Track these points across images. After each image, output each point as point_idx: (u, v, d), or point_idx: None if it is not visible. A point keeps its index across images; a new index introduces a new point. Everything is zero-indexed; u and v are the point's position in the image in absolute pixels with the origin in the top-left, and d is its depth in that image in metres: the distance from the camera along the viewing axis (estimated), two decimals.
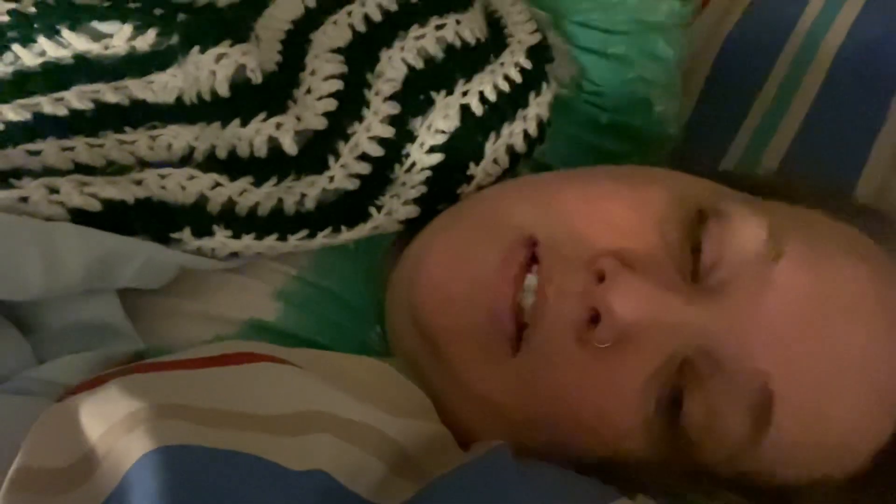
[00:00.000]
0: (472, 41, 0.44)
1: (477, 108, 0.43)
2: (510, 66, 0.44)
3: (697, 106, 0.56)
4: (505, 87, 0.44)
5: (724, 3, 0.61)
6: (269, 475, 0.29)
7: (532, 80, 0.45)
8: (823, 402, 0.35)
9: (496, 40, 0.46)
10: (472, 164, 0.43)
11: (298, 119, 0.40)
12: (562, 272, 0.36)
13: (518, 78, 0.44)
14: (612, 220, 0.37)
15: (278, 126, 0.39)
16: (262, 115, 0.39)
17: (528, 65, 0.45)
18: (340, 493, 0.30)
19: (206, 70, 0.39)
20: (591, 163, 0.47)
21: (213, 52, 0.39)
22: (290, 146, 0.40)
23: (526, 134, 0.44)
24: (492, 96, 0.43)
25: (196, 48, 0.39)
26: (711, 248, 0.36)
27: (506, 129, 0.44)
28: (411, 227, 0.42)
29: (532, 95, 0.44)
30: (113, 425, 0.29)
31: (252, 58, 0.40)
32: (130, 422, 0.29)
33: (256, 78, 0.40)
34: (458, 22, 0.44)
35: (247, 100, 0.40)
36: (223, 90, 0.39)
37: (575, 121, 0.49)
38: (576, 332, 0.36)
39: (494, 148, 0.43)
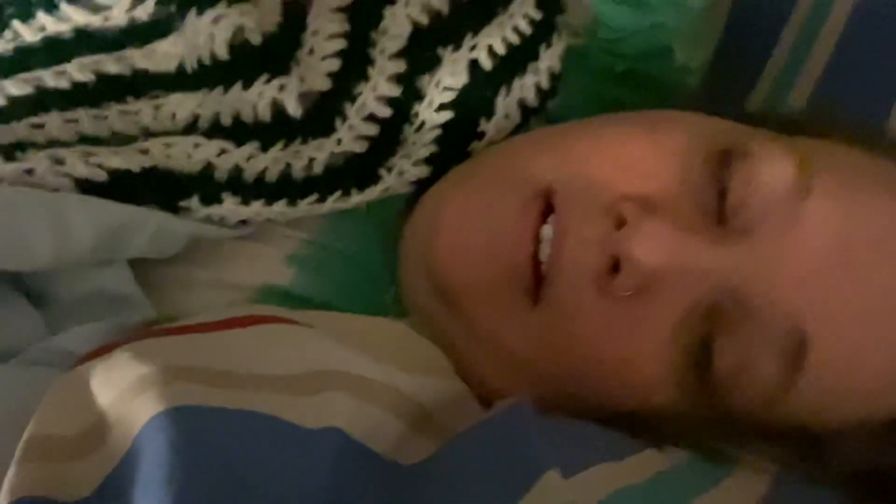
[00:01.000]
0: None
1: (486, 63, 0.42)
2: (519, 17, 0.43)
3: (719, 46, 0.54)
4: (514, 39, 0.42)
5: None
6: (284, 433, 0.29)
7: (542, 32, 0.43)
8: (859, 344, 0.34)
9: None
10: (482, 121, 0.42)
11: (302, 80, 0.39)
12: (579, 220, 0.35)
13: (528, 29, 0.43)
14: (630, 164, 0.36)
15: (281, 88, 0.39)
16: (264, 77, 0.39)
17: (537, 15, 0.43)
18: (357, 450, 0.30)
19: (205, 33, 0.38)
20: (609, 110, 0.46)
21: (211, 13, 0.39)
22: (294, 108, 0.39)
23: (538, 87, 0.43)
24: (501, 49, 0.42)
25: (193, 10, 0.39)
26: (737, 188, 0.35)
27: (517, 83, 0.42)
28: (423, 187, 0.41)
29: (543, 47, 0.43)
30: (123, 390, 0.29)
31: (251, 18, 0.39)
32: (140, 385, 0.29)
33: (256, 39, 0.39)
34: None
35: (247, 62, 0.39)
36: (222, 52, 0.38)
37: (589, 71, 0.47)
38: (596, 282, 0.34)
39: (506, 103, 0.42)
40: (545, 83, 0.43)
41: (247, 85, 0.39)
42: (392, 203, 0.42)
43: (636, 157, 0.36)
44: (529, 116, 0.43)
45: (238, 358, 0.31)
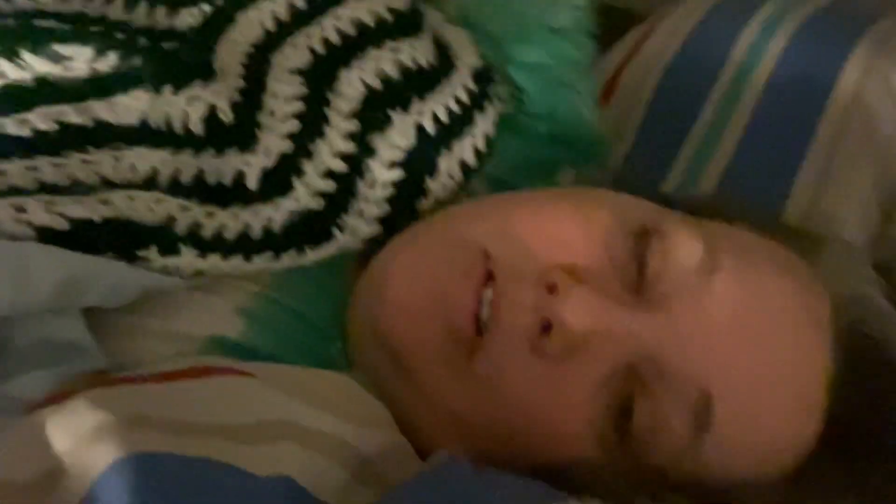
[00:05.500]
0: (426, 65, 0.47)
1: (430, 128, 0.46)
2: (459, 86, 0.47)
3: (639, 133, 0.59)
4: (455, 107, 0.47)
5: (663, 37, 0.64)
6: (237, 480, 0.30)
7: (478, 100, 0.48)
8: (757, 404, 0.38)
9: (444, 64, 0.48)
10: (427, 179, 0.45)
11: (267, 155, 0.42)
12: (515, 285, 0.38)
13: (466, 99, 0.47)
14: (560, 238, 0.40)
15: (247, 164, 0.41)
16: (235, 149, 0.41)
17: (473, 87, 0.48)
18: (305, 499, 0.31)
19: (178, 108, 0.41)
20: (543, 173, 0.50)
21: (185, 94, 0.41)
22: (253, 183, 0.41)
23: (475, 149, 0.47)
24: (443, 117, 0.46)
25: (168, 88, 0.41)
26: (654, 264, 0.39)
27: (456, 146, 0.46)
28: (373, 245, 0.44)
29: (478, 114, 0.47)
30: (80, 437, 0.30)
31: (223, 98, 0.41)
32: (98, 433, 0.30)
33: (228, 118, 0.41)
34: (411, 46, 0.47)
35: (219, 136, 0.41)
36: (198, 130, 0.41)
37: (520, 135, 0.51)
38: (529, 341, 0.37)
39: (448, 163, 0.46)
40: (482, 145, 0.47)
41: (218, 154, 0.41)
42: (341, 260, 0.44)
43: (566, 231, 0.40)
44: (470, 176, 0.47)
45: (191, 408, 0.33)
